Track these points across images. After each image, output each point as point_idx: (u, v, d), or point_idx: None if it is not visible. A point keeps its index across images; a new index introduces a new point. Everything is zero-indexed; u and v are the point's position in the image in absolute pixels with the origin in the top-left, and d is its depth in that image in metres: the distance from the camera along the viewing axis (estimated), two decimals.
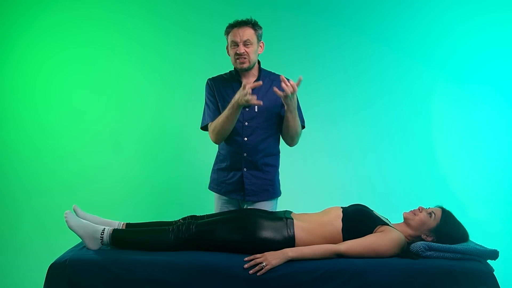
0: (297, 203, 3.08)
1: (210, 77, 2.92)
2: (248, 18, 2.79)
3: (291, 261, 2.24)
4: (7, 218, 3.77)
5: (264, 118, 2.79)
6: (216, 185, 2.91)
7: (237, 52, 2.72)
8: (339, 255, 2.27)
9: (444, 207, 2.51)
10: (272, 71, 2.93)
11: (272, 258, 2.22)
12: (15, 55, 3.80)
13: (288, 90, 2.56)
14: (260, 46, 2.82)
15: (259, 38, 2.79)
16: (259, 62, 2.88)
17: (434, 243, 2.34)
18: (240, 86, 2.66)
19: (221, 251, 2.33)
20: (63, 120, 3.79)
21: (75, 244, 2.54)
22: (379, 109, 3.74)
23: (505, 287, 2.42)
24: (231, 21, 2.82)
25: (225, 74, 2.91)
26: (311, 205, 2.79)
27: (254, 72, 2.84)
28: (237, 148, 2.79)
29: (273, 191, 2.88)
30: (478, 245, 2.39)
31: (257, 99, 2.63)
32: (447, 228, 2.42)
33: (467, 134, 3.69)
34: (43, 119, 3.78)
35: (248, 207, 2.79)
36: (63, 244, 2.64)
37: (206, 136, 3.77)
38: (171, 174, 3.78)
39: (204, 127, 2.91)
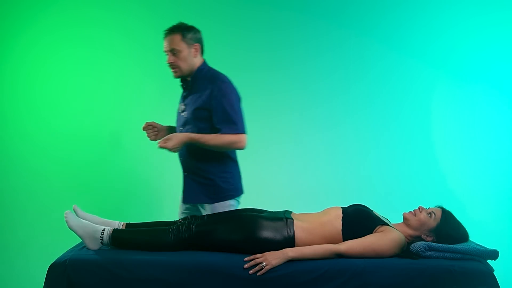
0: (297, 203, 3.08)
1: None
2: (178, 23, 2.75)
3: (291, 261, 2.23)
4: (7, 218, 3.77)
5: (193, 124, 2.74)
6: None
7: (167, 62, 2.72)
8: (339, 255, 2.27)
9: (444, 207, 2.51)
10: (219, 72, 2.84)
11: (272, 258, 2.21)
12: (15, 55, 3.80)
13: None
14: (194, 49, 2.75)
15: (189, 42, 2.73)
16: (199, 65, 2.80)
17: (434, 243, 2.34)
18: (183, 94, 2.81)
19: (221, 251, 2.33)
20: (63, 120, 3.79)
21: (75, 244, 2.54)
22: (379, 109, 3.74)
23: (505, 287, 2.42)
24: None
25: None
26: (311, 205, 2.79)
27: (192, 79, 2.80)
28: (179, 152, 2.79)
29: (209, 195, 2.79)
30: (478, 245, 2.38)
31: (187, 103, 2.74)
32: (447, 228, 2.42)
33: (467, 134, 3.69)
34: (43, 119, 3.79)
35: (243, 207, 2.78)
36: (63, 244, 2.64)
37: None
38: (171, 174, 3.77)
39: None
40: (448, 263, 2.24)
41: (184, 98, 2.84)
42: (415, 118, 3.72)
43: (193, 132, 2.73)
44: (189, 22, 3.78)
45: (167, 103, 3.78)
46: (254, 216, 2.41)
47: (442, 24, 3.70)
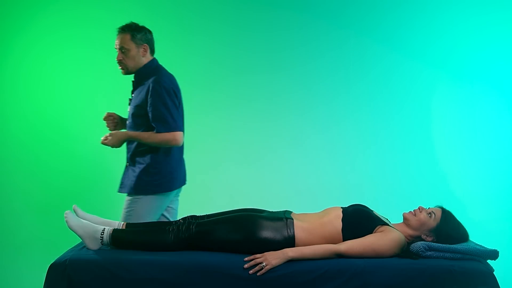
0: (297, 203, 3.08)
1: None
2: (130, 22, 2.88)
3: (291, 261, 2.23)
4: (7, 218, 3.77)
5: (132, 120, 2.89)
6: None
7: (116, 59, 2.86)
8: (339, 255, 2.27)
9: (444, 207, 2.51)
10: (162, 69, 2.97)
11: (272, 258, 2.21)
12: (15, 55, 3.80)
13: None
14: (143, 49, 2.88)
15: (138, 42, 2.86)
16: (155, 60, 2.97)
17: (434, 243, 2.34)
18: (132, 88, 2.92)
19: (221, 251, 2.33)
20: (63, 120, 3.79)
21: (75, 244, 2.54)
22: (379, 110, 3.74)
23: (505, 287, 2.42)
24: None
25: None
26: (311, 205, 2.79)
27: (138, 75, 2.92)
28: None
29: (133, 187, 2.88)
30: (478, 245, 2.38)
31: (132, 98, 2.89)
32: (447, 228, 2.42)
33: (468, 134, 3.69)
34: (43, 118, 3.79)
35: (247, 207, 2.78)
36: (63, 244, 2.64)
37: (205, 135, 3.80)
38: None
39: None
40: (448, 263, 2.24)
41: (132, 93, 2.97)
42: (415, 118, 3.73)
43: (131, 127, 2.90)
44: (190, 22, 3.80)
45: None
46: (254, 216, 2.41)
47: (442, 24, 3.70)
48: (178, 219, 2.58)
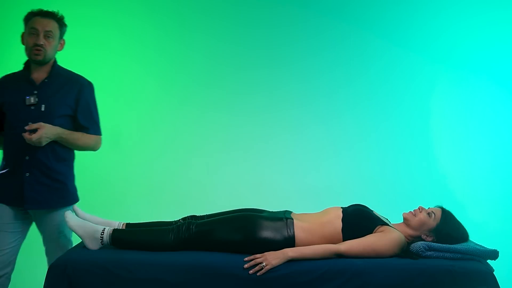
0: (297, 203, 3.08)
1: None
2: (55, 11, 2.65)
3: (291, 261, 2.24)
4: None
5: (50, 120, 2.55)
6: None
7: (36, 42, 2.54)
8: (339, 255, 2.27)
9: (444, 207, 2.51)
10: (72, 71, 2.78)
11: (272, 258, 2.21)
12: (14, 55, 3.79)
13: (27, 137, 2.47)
14: (61, 43, 2.69)
15: (61, 35, 2.67)
16: (55, 60, 2.72)
17: (434, 243, 2.34)
18: (29, 86, 2.58)
19: (221, 251, 2.33)
20: None
21: (75, 244, 2.54)
22: (380, 106, 3.73)
23: (505, 287, 2.42)
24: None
25: (20, 71, 2.72)
26: (311, 205, 2.78)
27: (47, 68, 2.66)
28: (23, 148, 2.54)
29: (64, 199, 2.67)
30: (478, 245, 2.39)
31: (47, 96, 2.57)
32: (447, 228, 2.42)
33: (468, 132, 3.69)
34: None
35: (245, 208, 2.77)
36: None
37: (205, 134, 3.79)
38: (171, 174, 3.77)
39: None
40: (448, 263, 2.24)
41: (37, 89, 2.60)
42: (415, 116, 3.72)
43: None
44: (190, 19, 3.79)
45: (167, 102, 3.80)
46: (254, 216, 2.42)
47: (444, 20, 3.69)
48: (178, 219, 2.58)
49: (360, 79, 3.74)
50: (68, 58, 3.78)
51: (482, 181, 3.65)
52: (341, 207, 2.50)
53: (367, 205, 2.55)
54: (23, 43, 2.63)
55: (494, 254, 2.31)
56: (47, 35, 2.58)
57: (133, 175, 3.78)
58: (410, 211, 2.49)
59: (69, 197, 2.70)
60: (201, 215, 2.61)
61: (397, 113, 3.74)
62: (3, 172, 2.60)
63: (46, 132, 2.49)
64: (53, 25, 2.60)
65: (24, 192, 2.56)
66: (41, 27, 2.56)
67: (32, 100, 2.57)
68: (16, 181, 2.57)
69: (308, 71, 3.75)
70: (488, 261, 2.34)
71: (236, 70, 3.76)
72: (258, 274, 2.17)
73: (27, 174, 2.56)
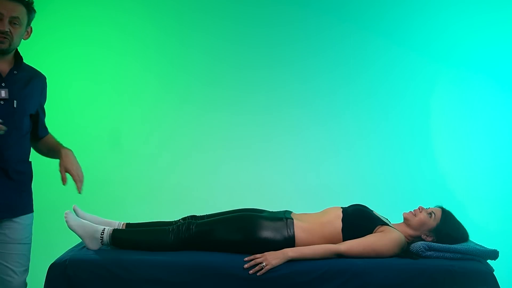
0: (297, 203, 3.08)
1: None
2: None
3: (291, 261, 2.24)
4: None
5: (19, 118, 2.30)
6: None
7: (0, 28, 2.19)
8: (339, 255, 2.27)
9: (444, 207, 2.51)
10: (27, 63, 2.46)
11: (272, 258, 2.22)
12: None
13: None
14: (27, 31, 2.34)
15: (29, 21, 2.32)
16: (17, 50, 2.38)
17: (434, 243, 2.34)
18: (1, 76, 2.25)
19: (221, 251, 2.33)
20: (62, 120, 3.78)
21: (75, 244, 2.54)
22: (380, 105, 3.72)
23: (505, 287, 2.42)
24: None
25: None
26: (311, 205, 2.78)
27: (10, 59, 2.32)
28: None
29: (28, 204, 2.48)
30: (478, 245, 2.39)
31: (16, 91, 2.26)
32: (447, 228, 2.42)
33: (469, 132, 3.68)
34: None
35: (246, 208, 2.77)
36: (63, 244, 2.63)
37: (205, 134, 3.79)
38: (171, 173, 3.77)
39: None
40: (448, 263, 2.24)
41: (4, 81, 2.28)
42: (416, 116, 3.71)
43: (18, 127, 2.32)
44: (189, 18, 3.78)
45: (167, 101, 3.80)
46: (254, 216, 2.42)
47: (444, 20, 3.68)
48: (178, 219, 2.58)
49: (360, 79, 3.74)
50: (68, 58, 3.81)
51: (482, 181, 3.65)
52: (341, 207, 2.50)
53: (367, 205, 2.55)
54: None
55: (494, 254, 2.31)
56: (13, 21, 2.22)
57: (133, 175, 3.77)
58: (410, 211, 2.49)
59: (30, 201, 2.50)
60: (201, 215, 2.61)
61: (397, 112, 3.73)
62: None
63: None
64: (20, 10, 2.24)
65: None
66: (7, 12, 2.20)
67: (3, 94, 2.25)
68: None
69: (308, 70, 3.75)
70: (488, 261, 2.34)
71: (236, 69, 3.76)
72: (258, 274, 2.18)
73: None
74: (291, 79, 3.76)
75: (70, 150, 2.49)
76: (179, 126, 3.80)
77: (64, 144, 3.89)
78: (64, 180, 2.34)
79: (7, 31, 2.20)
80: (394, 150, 3.73)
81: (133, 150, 3.79)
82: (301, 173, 3.74)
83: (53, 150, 2.52)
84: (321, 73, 3.74)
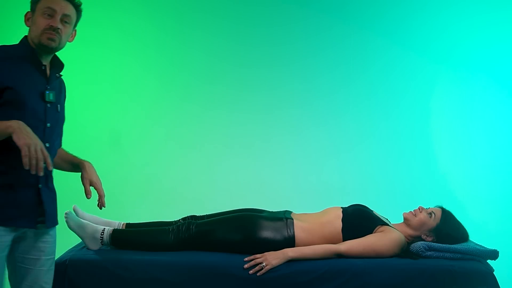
0: (297, 203, 3.08)
1: None
2: None
3: (291, 261, 2.24)
4: None
5: (62, 121, 2.22)
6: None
7: (53, 24, 2.04)
8: (339, 255, 2.28)
9: (444, 207, 2.51)
10: None
11: (272, 258, 2.22)
12: None
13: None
14: (72, 34, 2.20)
15: (76, 24, 2.21)
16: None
17: (434, 243, 2.34)
18: (42, 77, 2.06)
19: (221, 251, 2.34)
20: None
21: (75, 244, 2.54)
22: (380, 105, 3.72)
23: (505, 287, 2.42)
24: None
25: (12, 46, 2.17)
26: (311, 205, 2.78)
27: (48, 60, 2.14)
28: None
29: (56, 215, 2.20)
30: (478, 245, 2.39)
31: (57, 95, 2.12)
32: (447, 228, 2.42)
33: (468, 132, 3.68)
34: None
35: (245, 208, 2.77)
36: (63, 244, 2.63)
37: (205, 134, 3.78)
38: (170, 173, 3.77)
39: None
40: (448, 263, 2.24)
41: (48, 83, 2.10)
42: (416, 116, 3.71)
43: (60, 134, 2.24)
44: (190, 17, 3.77)
45: (167, 101, 3.79)
46: (254, 216, 2.42)
47: (444, 20, 3.68)
48: (178, 219, 2.58)
49: (360, 79, 3.73)
50: (67, 57, 3.80)
51: (482, 181, 3.65)
52: (341, 207, 2.50)
53: (367, 205, 2.55)
54: (27, 24, 2.12)
55: (494, 254, 2.31)
56: (65, 19, 2.09)
57: (133, 174, 3.77)
58: (410, 211, 2.49)
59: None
60: (201, 215, 2.61)
61: (397, 112, 3.73)
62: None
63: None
64: (72, 10, 2.13)
65: (44, 206, 2.06)
66: (60, 9, 2.07)
67: (51, 96, 2.09)
68: (28, 195, 2.02)
69: (308, 70, 3.75)
70: (488, 261, 2.34)
71: (236, 68, 3.76)
72: (258, 274, 2.18)
73: (40, 186, 2.06)
74: (291, 78, 3.76)
75: (89, 162, 2.34)
76: (179, 126, 3.80)
77: (64, 144, 3.90)
78: (88, 194, 2.18)
79: (59, 29, 2.06)
80: (394, 150, 3.73)
81: (133, 150, 3.79)
82: (301, 172, 3.74)
83: (68, 161, 2.36)
84: (322, 72, 3.74)
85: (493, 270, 2.25)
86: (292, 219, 2.41)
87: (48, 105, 2.08)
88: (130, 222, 2.61)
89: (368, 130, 3.74)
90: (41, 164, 1.84)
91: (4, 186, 1.94)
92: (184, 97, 3.78)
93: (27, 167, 1.81)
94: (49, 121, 2.07)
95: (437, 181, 3.67)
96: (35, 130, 1.93)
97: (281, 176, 3.76)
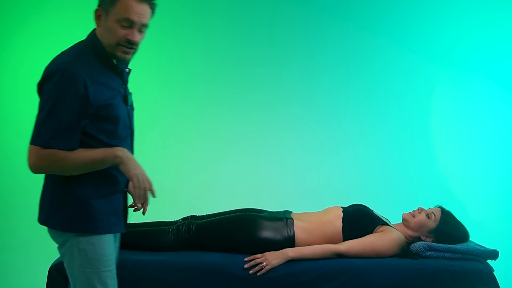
0: (297, 203, 3.08)
1: (71, 63, 1.95)
2: None
3: (291, 261, 2.24)
4: (8, 218, 3.77)
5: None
6: (107, 221, 1.94)
7: (131, 38, 1.87)
8: (339, 255, 2.28)
9: (443, 207, 2.51)
10: None
11: (272, 258, 2.22)
12: (15, 55, 3.79)
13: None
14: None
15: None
16: None
17: (434, 243, 2.34)
18: (119, 80, 1.98)
19: (221, 251, 2.34)
20: None
21: None
22: (380, 105, 3.72)
23: (505, 287, 2.42)
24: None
25: (88, 52, 2.00)
26: (311, 205, 2.79)
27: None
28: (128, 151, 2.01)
29: None
30: (478, 245, 2.39)
31: (130, 97, 2.08)
32: (447, 228, 2.43)
33: (468, 132, 3.68)
34: None
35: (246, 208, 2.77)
36: None
37: (205, 134, 3.79)
38: (170, 173, 3.77)
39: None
40: (448, 263, 2.24)
41: (125, 84, 2.05)
42: (416, 116, 3.71)
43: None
44: (190, 17, 3.76)
45: (167, 100, 3.79)
46: (254, 216, 2.42)
47: (444, 20, 3.68)
48: (178, 219, 2.58)
49: (360, 78, 3.73)
50: None
51: (482, 181, 3.65)
52: (342, 207, 2.50)
53: (367, 205, 2.55)
54: (99, 24, 1.95)
55: (494, 254, 2.31)
56: (142, 29, 1.91)
57: None
58: (410, 212, 2.49)
59: None
60: (201, 215, 2.61)
61: (397, 112, 3.73)
62: (111, 192, 1.97)
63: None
64: (149, 16, 1.93)
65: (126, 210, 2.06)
66: (138, 19, 1.87)
67: (130, 98, 2.02)
68: (121, 201, 2.02)
69: (309, 69, 3.74)
70: (488, 261, 2.34)
71: (236, 68, 3.75)
72: (258, 274, 2.18)
73: (126, 189, 2.06)
74: (291, 77, 3.76)
75: None
76: (178, 125, 3.80)
77: None
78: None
79: (137, 42, 1.89)
80: (395, 149, 3.73)
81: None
82: (301, 172, 3.74)
83: None
84: (322, 72, 3.73)
85: (493, 270, 2.26)
86: (292, 219, 2.41)
87: (129, 107, 2.04)
88: (130, 222, 2.60)
89: (368, 129, 3.74)
90: (147, 194, 1.93)
91: (106, 195, 1.95)
92: (183, 96, 3.77)
93: (137, 200, 1.90)
94: (132, 126, 2.06)
95: (437, 181, 3.67)
96: (126, 140, 1.99)
97: (281, 176, 3.76)
